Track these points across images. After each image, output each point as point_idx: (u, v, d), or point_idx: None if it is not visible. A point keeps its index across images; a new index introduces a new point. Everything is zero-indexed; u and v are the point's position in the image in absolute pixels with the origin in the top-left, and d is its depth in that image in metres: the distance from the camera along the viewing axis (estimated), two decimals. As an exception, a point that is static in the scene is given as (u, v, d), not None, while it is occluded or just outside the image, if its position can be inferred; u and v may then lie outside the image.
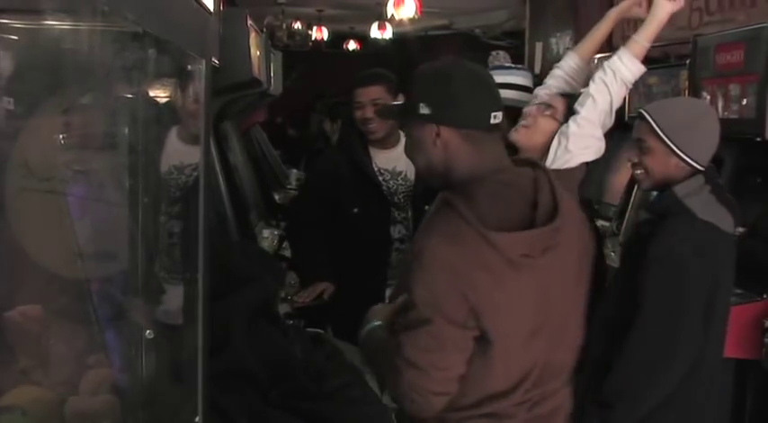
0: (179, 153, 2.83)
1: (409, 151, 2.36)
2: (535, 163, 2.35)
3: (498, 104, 2.27)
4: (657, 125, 2.74)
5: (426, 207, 3.67)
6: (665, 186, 2.78)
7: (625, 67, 2.90)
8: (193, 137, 3.02)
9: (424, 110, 2.22)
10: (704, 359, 2.69)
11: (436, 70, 2.30)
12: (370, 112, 3.72)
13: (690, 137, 2.73)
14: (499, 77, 3.63)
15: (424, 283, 2.13)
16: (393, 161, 3.85)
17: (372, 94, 3.74)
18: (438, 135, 2.22)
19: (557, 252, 2.20)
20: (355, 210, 3.81)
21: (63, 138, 1.74)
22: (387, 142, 3.85)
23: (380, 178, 3.83)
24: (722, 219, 2.74)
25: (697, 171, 2.75)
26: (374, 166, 3.84)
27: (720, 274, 2.72)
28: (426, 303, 2.13)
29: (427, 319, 2.12)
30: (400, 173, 3.86)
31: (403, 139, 3.77)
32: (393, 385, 2.23)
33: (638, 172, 2.84)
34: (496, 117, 2.24)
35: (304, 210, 4.06)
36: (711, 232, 2.70)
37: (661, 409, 2.67)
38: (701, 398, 2.75)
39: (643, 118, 2.79)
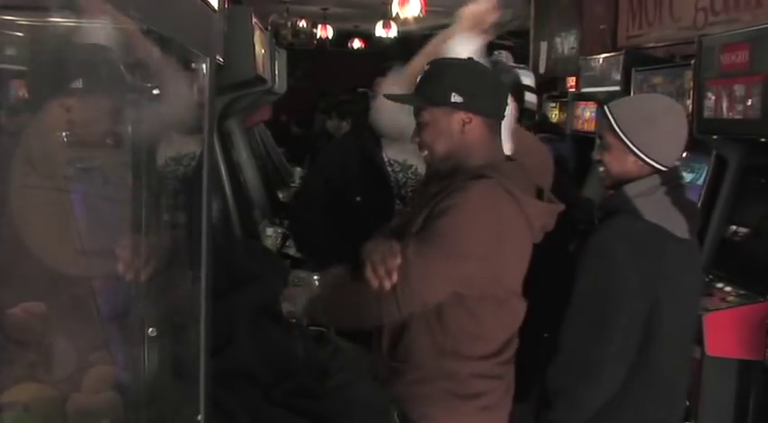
0: (175, 144, 2.80)
1: (429, 138, 2.50)
2: (509, 157, 2.60)
3: (508, 99, 2.56)
4: (615, 122, 2.67)
5: None
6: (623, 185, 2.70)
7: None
8: (181, 132, 3.01)
9: (456, 98, 2.43)
10: (652, 363, 2.61)
11: (466, 64, 2.54)
12: None
13: (648, 135, 2.65)
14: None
15: (464, 226, 2.35)
16: (405, 154, 3.74)
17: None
18: (468, 122, 2.45)
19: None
20: (358, 198, 3.73)
21: (66, 135, 1.74)
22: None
23: (390, 169, 3.73)
24: (674, 222, 2.65)
25: (657, 172, 2.67)
26: (384, 156, 3.73)
27: (669, 278, 2.62)
28: (459, 242, 2.35)
29: (450, 252, 2.35)
30: (411, 166, 3.74)
31: None
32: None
33: (601, 169, 2.78)
34: (507, 108, 2.54)
35: (308, 199, 3.97)
36: (656, 235, 2.61)
37: (610, 411, 2.61)
38: (651, 401, 2.66)
39: (604, 114, 2.73)
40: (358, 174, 3.74)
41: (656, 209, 2.63)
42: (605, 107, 2.76)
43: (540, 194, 2.50)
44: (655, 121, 2.67)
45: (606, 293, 2.56)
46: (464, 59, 2.57)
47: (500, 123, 2.53)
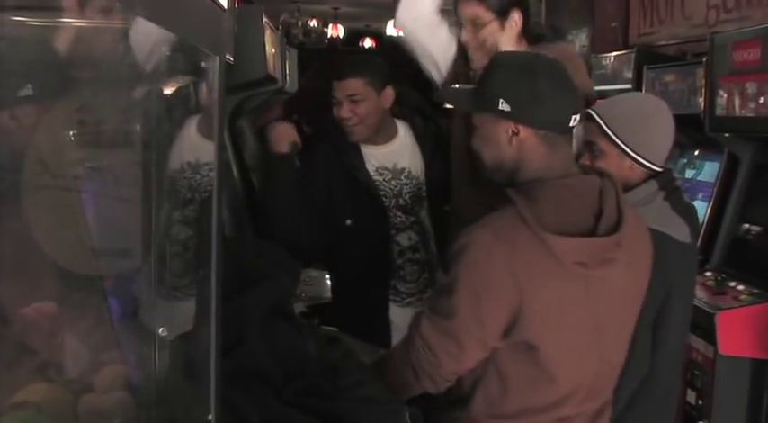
0: (198, 149, 2.71)
1: (477, 144, 2.25)
2: (603, 172, 2.26)
3: (578, 107, 2.20)
4: (606, 125, 2.57)
5: (447, 208, 3.47)
6: None
7: None
8: (191, 131, 2.97)
9: (503, 106, 2.13)
10: (655, 373, 2.56)
11: (520, 64, 2.21)
12: (347, 111, 3.30)
13: (642, 136, 2.57)
14: None
15: (469, 278, 2.10)
16: (393, 157, 3.42)
17: (348, 89, 3.30)
18: (515, 134, 2.15)
19: (615, 266, 2.13)
20: (348, 222, 3.38)
21: (77, 135, 1.74)
22: (379, 137, 3.41)
23: (380, 178, 3.39)
24: (676, 228, 2.58)
25: (652, 174, 2.61)
26: (370, 166, 3.40)
27: (674, 286, 2.56)
28: (465, 297, 2.10)
29: (459, 314, 2.11)
30: (403, 170, 3.41)
31: (401, 131, 3.44)
32: (403, 360, 2.25)
33: None
34: (575, 120, 2.17)
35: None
36: (662, 242, 2.50)
37: None
38: (653, 412, 2.62)
39: (592, 119, 2.62)
40: (343, 193, 3.39)
41: (658, 216, 2.56)
42: (591, 111, 2.64)
43: (599, 218, 2.15)
44: (648, 121, 2.60)
45: None
46: (527, 59, 2.26)
47: (564, 134, 2.19)
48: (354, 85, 3.29)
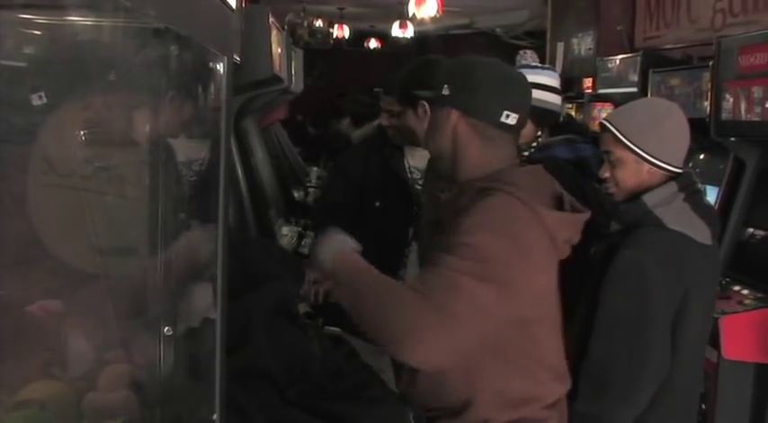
0: (184, 148, 2.81)
1: (426, 133, 2.40)
2: (528, 159, 2.41)
3: (517, 108, 2.24)
4: (621, 134, 2.59)
5: None
6: (639, 196, 2.62)
7: None
8: (198, 131, 3.00)
9: (445, 91, 2.26)
10: (675, 375, 2.55)
11: (469, 59, 2.35)
12: (385, 120, 3.63)
13: (657, 140, 2.58)
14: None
15: (486, 241, 2.07)
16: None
17: (386, 104, 3.62)
18: (449, 116, 2.26)
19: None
20: (377, 203, 3.70)
21: (84, 134, 1.74)
22: (418, 141, 3.59)
23: (410, 176, 3.69)
24: (696, 229, 2.59)
25: (672, 176, 2.61)
26: (405, 163, 3.71)
27: (693, 287, 2.56)
28: (482, 260, 2.04)
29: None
30: None
31: None
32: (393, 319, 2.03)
33: (611, 188, 2.68)
34: (509, 117, 2.22)
35: (329, 201, 4.01)
36: (682, 243, 2.56)
37: None
38: (673, 416, 2.62)
39: (606, 128, 2.65)
40: (378, 179, 3.72)
41: (678, 217, 2.57)
42: (605, 122, 2.68)
43: (560, 202, 2.28)
44: (660, 124, 2.60)
45: (641, 313, 2.50)
46: (478, 57, 2.36)
47: (499, 129, 2.25)
48: (390, 101, 3.57)
